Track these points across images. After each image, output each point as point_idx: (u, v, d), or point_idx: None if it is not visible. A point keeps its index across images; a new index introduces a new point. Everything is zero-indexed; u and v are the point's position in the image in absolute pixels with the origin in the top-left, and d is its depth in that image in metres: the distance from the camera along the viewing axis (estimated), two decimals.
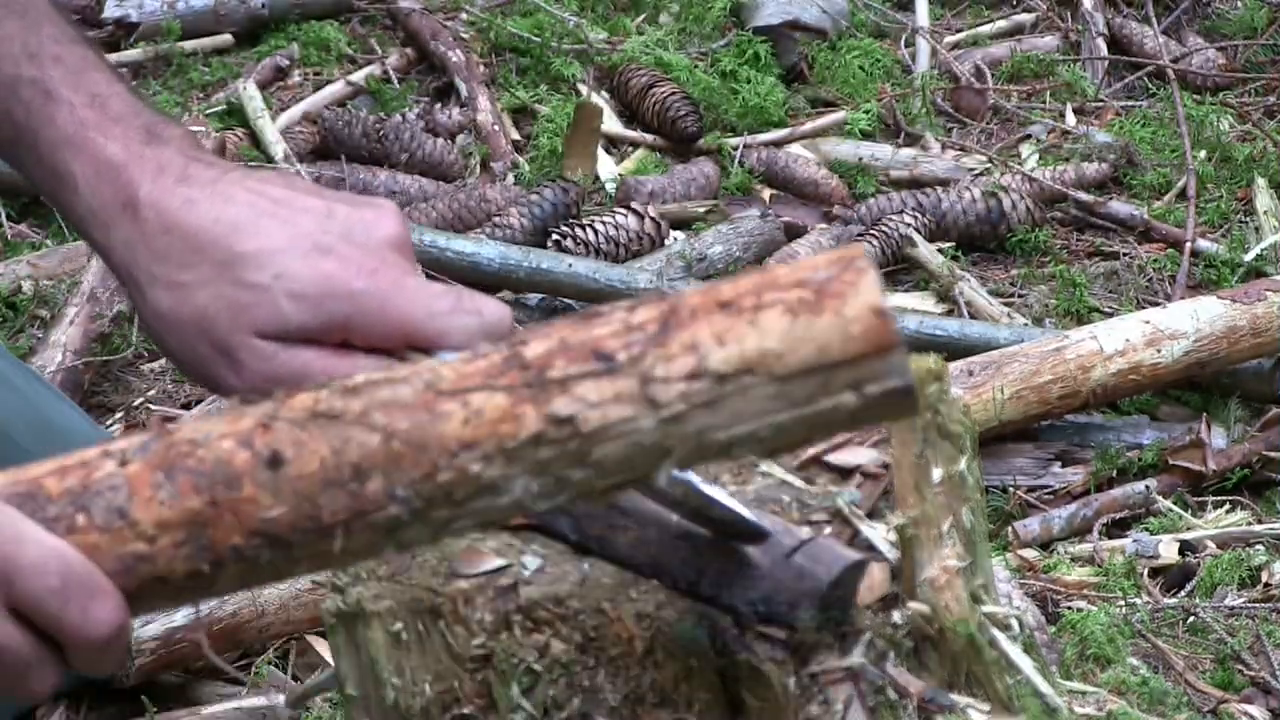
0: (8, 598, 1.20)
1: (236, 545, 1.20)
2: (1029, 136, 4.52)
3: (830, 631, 1.41)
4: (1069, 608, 2.78)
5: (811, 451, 1.55)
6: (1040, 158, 4.40)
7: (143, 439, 1.23)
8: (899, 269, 3.94)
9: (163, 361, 3.51)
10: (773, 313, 1.15)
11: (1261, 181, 4.15)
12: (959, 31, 4.98)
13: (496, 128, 4.32)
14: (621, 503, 1.45)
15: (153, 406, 3.30)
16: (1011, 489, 3.21)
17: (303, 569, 1.24)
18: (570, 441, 1.18)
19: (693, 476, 1.35)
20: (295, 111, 4.37)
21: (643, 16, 4.85)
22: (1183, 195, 4.19)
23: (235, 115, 4.31)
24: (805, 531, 1.42)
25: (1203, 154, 4.31)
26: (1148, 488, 3.18)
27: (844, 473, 1.58)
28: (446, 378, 1.19)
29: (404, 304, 1.47)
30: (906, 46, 4.80)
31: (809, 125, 4.45)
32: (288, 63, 4.60)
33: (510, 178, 4.17)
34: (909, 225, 3.96)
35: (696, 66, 4.53)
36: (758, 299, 1.16)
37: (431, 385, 1.19)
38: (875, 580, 1.44)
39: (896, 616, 1.41)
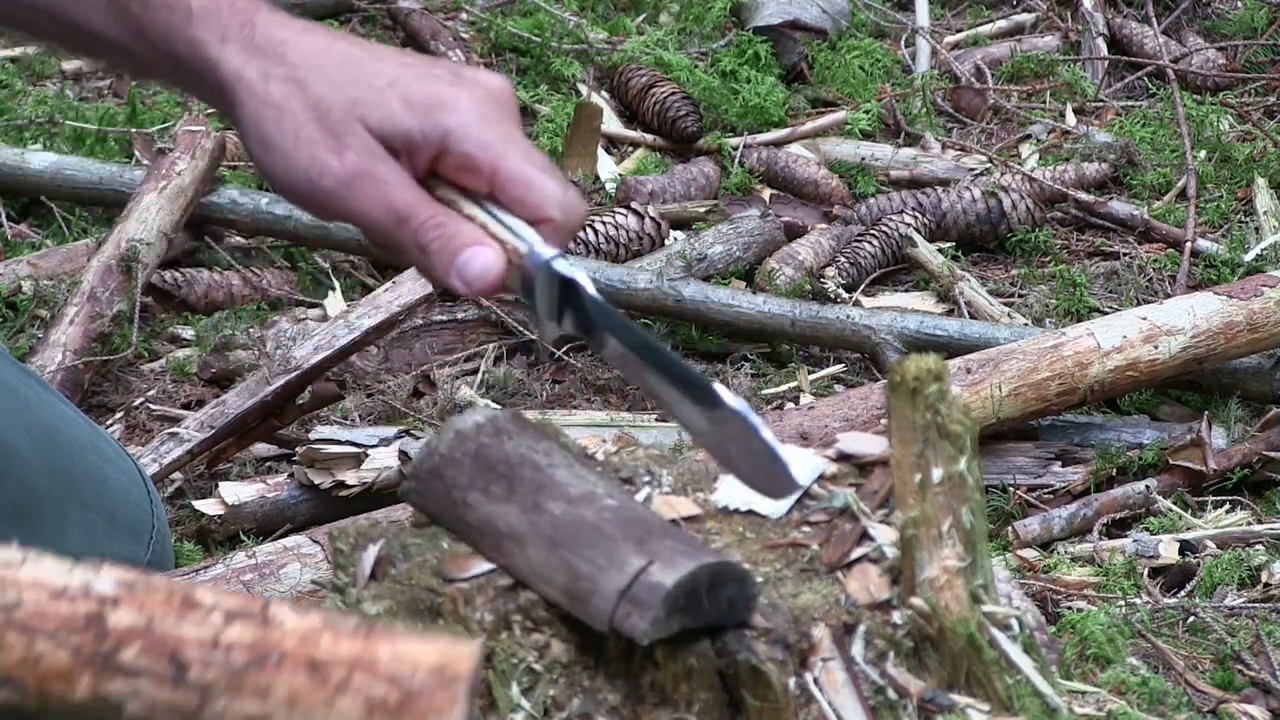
0: None
1: None
2: (1029, 136, 4.52)
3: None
4: (1069, 608, 2.78)
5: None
6: (1040, 158, 4.40)
7: None
8: (899, 269, 3.94)
9: (163, 361, 3.51)
10: (353, 701, 1.13)
11: (1261, 181, 4.15)
12: (959, 31, 4.99)
13: None
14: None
15: (153, 406, 3.30)
16: (1011, 489, 3.21)
17: None
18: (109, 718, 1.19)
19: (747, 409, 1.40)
20: None
21: (643, 16, 4.85)
22: (1183, 195, 4.19)
23: None
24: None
25: (1203, 154, 4.31)
26: (1148, 487, 3.18)
27: (854, 461, 1.58)
28: (26, 606, 1.19)
29: (504, 143, 1.52)
30: (906, 46, 4.80)
31: (809, 125, 4.46)
32: None
33: None
34: (909, 225, 3.96)
35: (696, 66, 4.54)
36: (347, 676, 1.14)
37: (9, 609, 1.19)
38: (872, 579, 1.44)
39: (896, 616, 1.41)
